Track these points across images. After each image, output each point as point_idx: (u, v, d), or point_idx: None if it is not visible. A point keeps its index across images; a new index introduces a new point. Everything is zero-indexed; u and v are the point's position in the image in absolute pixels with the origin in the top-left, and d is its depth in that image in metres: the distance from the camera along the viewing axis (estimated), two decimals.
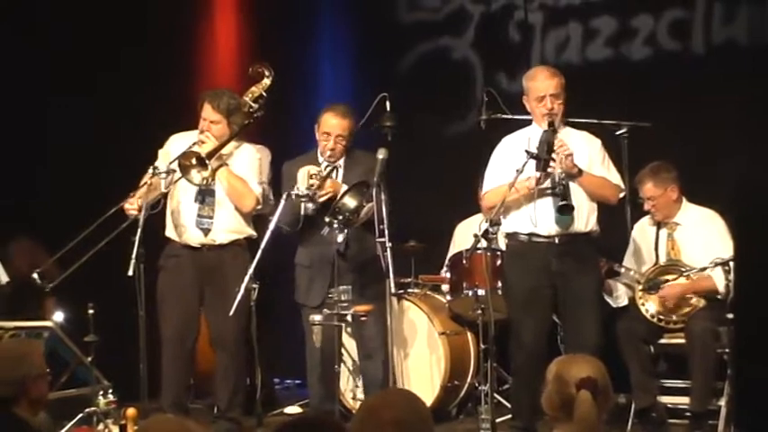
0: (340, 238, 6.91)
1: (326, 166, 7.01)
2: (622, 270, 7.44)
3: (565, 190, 6.52)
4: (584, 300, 6.73)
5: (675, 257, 7.35)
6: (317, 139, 7.18)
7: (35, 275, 6.95)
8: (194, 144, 7.10)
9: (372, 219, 6.70)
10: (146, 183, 6.99)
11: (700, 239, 7.27)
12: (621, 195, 6.94)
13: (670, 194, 7.35)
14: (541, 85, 6.78)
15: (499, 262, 7.32)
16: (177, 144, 7.23)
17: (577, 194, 6.65)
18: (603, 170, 6.84)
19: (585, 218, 6.73)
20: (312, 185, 6.87)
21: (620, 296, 7.46)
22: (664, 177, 7.33)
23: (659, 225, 7.45)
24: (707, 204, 7.37)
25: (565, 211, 6.54)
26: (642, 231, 7.55)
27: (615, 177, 6.90)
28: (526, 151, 6.60)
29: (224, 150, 7.13)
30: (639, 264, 7.47)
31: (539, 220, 6.63)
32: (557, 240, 6.71)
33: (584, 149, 6.79)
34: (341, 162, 7.14)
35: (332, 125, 7.09)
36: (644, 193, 7.38)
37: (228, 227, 7.19)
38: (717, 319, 7.04)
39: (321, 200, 6.91)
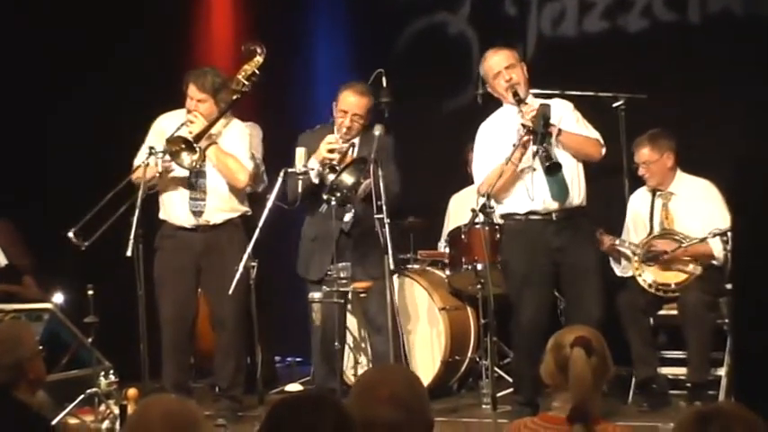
0: (347, 217, 6.93)
1: (342, 142, 6.98)
2: (617, 242, 7.43)
3: (547, 152, 6.52)
4: (583, 273, 6.74)
5: (669, 227, 7.35)
6: (334, 115, 7.16)
7: (71, 234, 6.90)
8: (182, 125, 7.09)
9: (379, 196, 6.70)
10: (143, 163, 6.98)
11: (694, 210, 7.27)
12: (604, 152, 6.91)
13: (666, 161, 7.35)
14: (492, 62, 6.88)
15: (498, 236, 7.32)
16: (169, 122, 7.23)
17: (564, 166, 6.64)
18: (581, 128, 6.86)
19: (578, 189, 6.75)
20: (333, 160, 6.85)
21: (626, 266, 7.45)
22: (661, 144, 7.34)
23: (654, 194, 7.45)
24: (704, 174, 7.37)
25: (553, 170, 6.53)
26: (637, 202, 7.55)
27: (594, 134, 6.90)
28: (522, 125, 6.61)
29: (213, 129, 7.12)
30: (635, 234, 7.46)
31: (536, 193, 6.63)
32: (554, 217, 6.72)
33: (557, 114, 6.76)
34: (356, 140, 7.12)
35: (349, 103, 7.07)
36: (639, 158, 7.39)
37: (222, 206, 7.19)
38: (712, 290, 7.07)
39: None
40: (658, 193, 7.44)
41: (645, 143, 7.36)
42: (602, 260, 7.13)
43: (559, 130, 6.67)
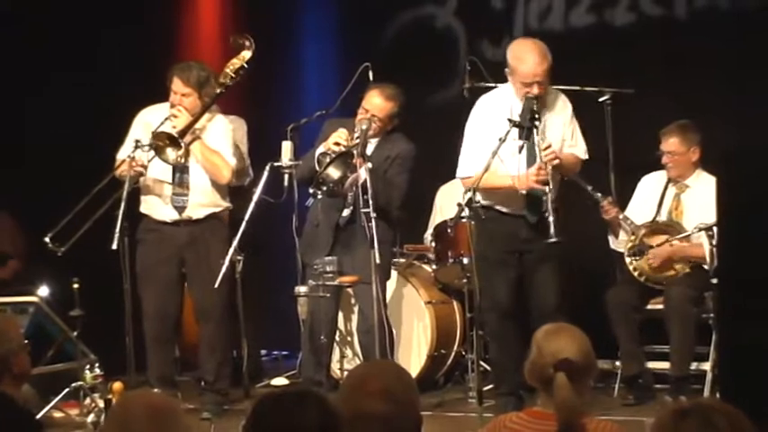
0: (345, 212, 6.94)
1: (356, 136, 6.96)
2: (621, 216, 7.41)
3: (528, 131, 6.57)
4: (545, 262, 6.78)
5: (677, 219, 7.36)
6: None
7: (47, 239, 6.88)
8: (166, 119, 7.07)
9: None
10: (129, 156, 6.97)
11: (704, 207, 7.21)
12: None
13: (691, 155, 7.35)
14: (529, 71, 6.62)
15: None
16: (153, 115, 7.21)
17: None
18: (573, 143, 6.88)
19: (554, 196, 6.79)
20: (334, 152, 6.84)
21: (621, 241, 7.46)
22: (690, 137, 7.33)
23: (668, 182, 7.45)
24: None
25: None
26: (649, 184, 7.55)
27: (581, 150, 6.93)
28: (509, 120, 6.60)
29: (197, 124, 7.10)
30: (640, 215, 7.43)
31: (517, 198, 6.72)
32: (529, 218, 6.79)
33: (558, 123, 6.80)
34: (374, 141, 7.11)
35: (373, 104, 7.06)
36: (666, 147, 7.36)
37: (204, 202, 7.18)
38: (698, 285, 7.07)
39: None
40: (674, 181, 7.44)
41: (675, 134, 7.33)
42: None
43: (558, 159, 6.65)
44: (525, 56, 6.69)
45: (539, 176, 6.54)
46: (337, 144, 6.85)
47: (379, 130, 7.09)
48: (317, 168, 6.85)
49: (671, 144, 7.36)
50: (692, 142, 7.33)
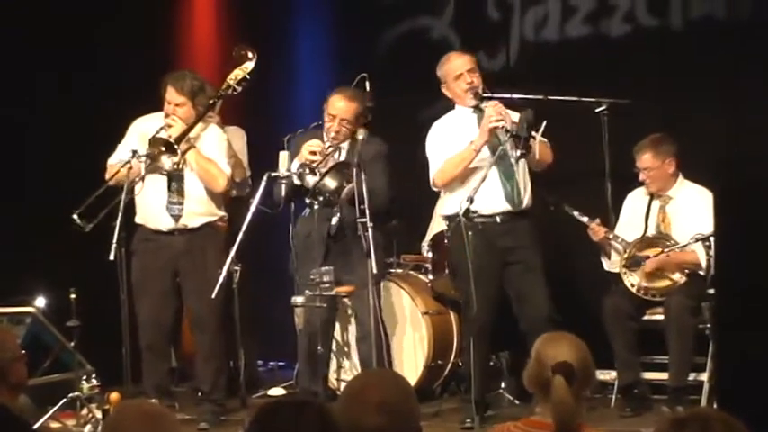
0: (333, 220, 6.95)
1: (329, 146, 6.99)
2: (611, 236, 7.41)
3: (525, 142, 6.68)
4: (530, 270, 6.89)
5: (665, 231, 7.35)
6: (324, 118, 7.20)
7: (75, 216, 6.87)
8: (161, 129, 7.08)
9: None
10: (126, 165, 6.97)
11: (691, 216, 7.22)
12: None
13: (667, 167, 7.35)
14: (455, 64, 7.06)
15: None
16: (148, 125, 7.22)
17: (518, 171, 6.88)
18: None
19: (528, 192, 6.95)
20: (314, 162, 6.85)
21: (615, 261, 7.45)
22: (663, 150, 7.33)
23: (652, 196, 7.44)
24: (687, 178, 7.39)
25: (525, 155, 6.74)
26: (634, 201, 7.55)
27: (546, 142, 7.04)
28: (506, 130, 6.64)
29: (191, 133, 7.11)
30: (628, 233, 7.44)
31: (491, 194, 6.83)
32: (498, 219, 6.88)
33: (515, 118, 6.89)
34: (344, 144, 7.12)
35: (338, 108, 7.09)
36: (641, 164, 7.36)
37: (199, 210, 7.18)
38: (696, 296, 7.07)
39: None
40: (657, 195, 7.44)
41: (647, 149, 7.33)
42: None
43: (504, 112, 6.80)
44: (447, 57, 7.18)
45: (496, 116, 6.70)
46: (313, 153, 6.90)
47: (350, 132, 7.10)
48: (296, 183, 6.88)
49: (645, 161, 7.36)
50: (666, 154, 7.33)
